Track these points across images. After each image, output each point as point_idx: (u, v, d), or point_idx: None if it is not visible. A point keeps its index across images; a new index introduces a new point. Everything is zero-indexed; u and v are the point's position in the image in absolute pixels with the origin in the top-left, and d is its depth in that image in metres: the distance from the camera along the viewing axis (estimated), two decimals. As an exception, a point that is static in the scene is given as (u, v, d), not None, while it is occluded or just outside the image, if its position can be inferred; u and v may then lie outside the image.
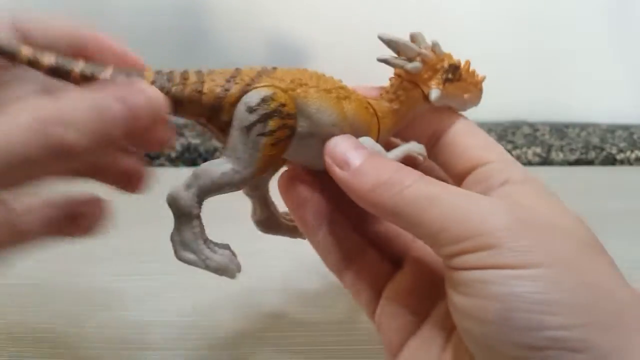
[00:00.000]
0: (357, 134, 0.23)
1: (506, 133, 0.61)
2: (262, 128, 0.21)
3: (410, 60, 0.24)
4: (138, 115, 0.19)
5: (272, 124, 0.21)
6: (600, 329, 0.17)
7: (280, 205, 0.27)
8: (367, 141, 0.23)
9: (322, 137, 0.23)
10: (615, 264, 0.19)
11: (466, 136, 0.25)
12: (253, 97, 0.21)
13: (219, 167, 0.22)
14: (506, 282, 0.17)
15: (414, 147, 0.24)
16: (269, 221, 0.28)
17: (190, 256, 0.22)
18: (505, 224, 0.19)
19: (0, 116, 0.17)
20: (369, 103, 0.24)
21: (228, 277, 0.23)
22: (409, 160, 0.24)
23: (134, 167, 0.25)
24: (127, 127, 0.19)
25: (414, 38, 0.24)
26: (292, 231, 0.28)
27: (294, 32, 0.59)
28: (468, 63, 0.25)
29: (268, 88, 0.22)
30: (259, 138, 0.21)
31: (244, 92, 0.22)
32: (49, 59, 0.20)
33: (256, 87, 0.22)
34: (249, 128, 0.21)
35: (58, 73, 0.20)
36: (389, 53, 0.24)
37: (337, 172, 0.22)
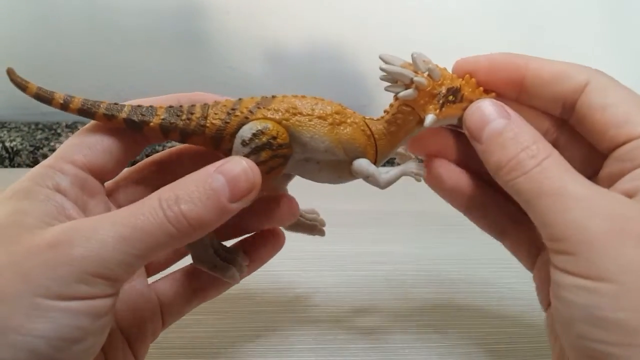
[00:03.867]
0: (352, 156, 0.25)
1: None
2: (255, 159, 0.23)
3: (405, 86, 0.24)
4: (237, 181, 0.21)
5: (264, 155, 0.23)
6: None
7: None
8: (362, 163, 0.25)
9: (317, 160, 0.25)
10: None
11: (604, 108, 0.22)
12: (246, 132, 0.23)
13: None
14: (574, 291, 0.19)
15: (411, 167, 0.25)
16: None
17: (202, 265, 0.26)
18: (592, 233, 0.19)
19: (136, 207, 0.20)
20: (367, 125, 0.25)
21: (230, 281, 0.26)
22: None
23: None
24: (231, 193, 0.21)
25: (413, 60, 0.24)
26: (310, 229, 0.30)
27: (292, 34, 0.59)
28: (470, 81, 0.24)
29: (261, 121, 0.23)
30: None
31: (240, 124, 0.24)
32: (77, 103, 0.24)
33: (251, 120, 0.24)
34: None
35: (85, 114, 0.24)
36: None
37: (475, 145, 0.23)
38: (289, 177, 0.28)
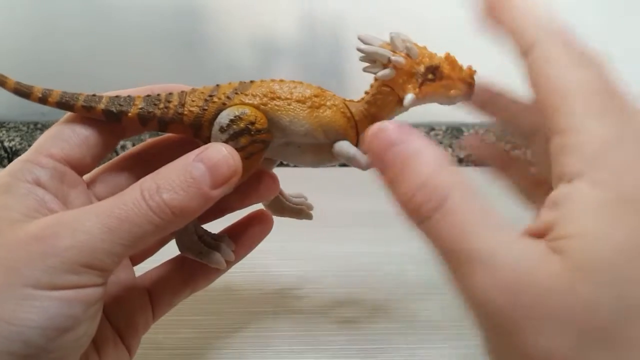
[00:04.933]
0: (332, 139, 0.25)
1: (506, 133, 0.61)
2: (234, 145, 0.23)
3: (383, 66, 0.24)
4: (218, 168, 0.21)
5: (242, 140, 0.23)
6: None
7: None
8: (343, 145, 0.25)
9: (298, 144, 0.25)
10: None
11: (538, 85, 0.18)
12: (223, 118, 0.23)
13: None
14: None
15: None
16: (275, 205, 0.30)
17: (188, 252, 0.26)
18: (491, 310, 0.16)
19: (118, 198, 0.20)
20: (347, 107, 0.25)
21: (218, 267, 0.26)
22: None
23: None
24: (212, 180, 0.21)
25: (391, 41, 0.24)
26: (297, 213, 0.30)
27: (289, 34, 0.59)
28: (450, 59, 0.24)
29: (238, 107, 0.23)
30: None
31: (218, 110, 0.24)
32: (55, 96, 0.23)
33: (229, 106, 0.24)
34: None
35: (64, 107, 0.24)
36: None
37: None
38: (273, 162, 0.28)
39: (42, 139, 0.23)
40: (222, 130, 0.23)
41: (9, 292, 0.18)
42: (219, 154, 0.22)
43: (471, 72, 0.25)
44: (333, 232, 0.31)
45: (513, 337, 0.15)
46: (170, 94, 0.24)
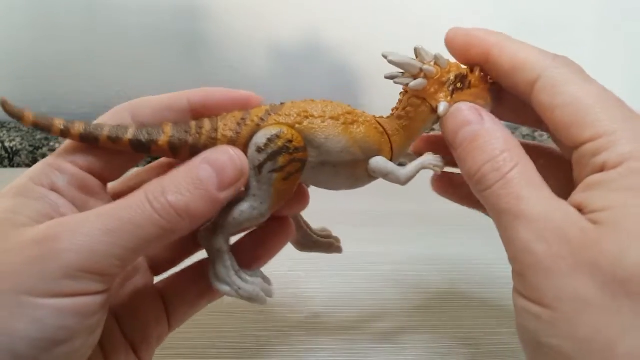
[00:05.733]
0: (368, 155, 0.24)
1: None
2: (272, 165, 0.23)
3: (414, 77, 0.24)
4: (224, 168, 0.21)
5: (281, 160, 0.23)
6: None
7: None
8: (379, 160, 0.24)
9: (333, 163, 0.24)
10: None
11: (552, 109, 0.21)
12: (260, 138, 0.23)
13: (238, 206, 0.23)
14: (523, 315, 0.19)
15: (429, 160, 0.25)
16: (304, 240, 0.30)
17: (225, 287, 0.24)
18: (537, 257, 0.18)
19: (123, 200, 0.20)
20: (379, 123, 0.25)
21: (258, 304, 0.24)
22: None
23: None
24: (219, 181, 0.21)
25: (417, 53, 0.24)
26: (327, 247, 0.30)
27: (292, 36, 0.59)
28: (479, 69, 0.24)
29: (274, 127, 0.23)
30: (271, 175, 0.23)
31: (253, 132, 0.23)
32: (78, 128, 0.22)
33: (264, 127, 0.23)
34: (260, 167, 0.23)
35: (88, 139, 0.23)
36: (396, 70, 0.24)
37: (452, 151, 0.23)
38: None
39: (68, 143, 0.23)
40: (259, 150, 0.23)
41: (3, 299, 0.17)
42: (225, 155, 0.21)
43: (491, 85, 0.24)
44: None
45: (546, 279, 0.18)
46: (200, 120, 0.24)
